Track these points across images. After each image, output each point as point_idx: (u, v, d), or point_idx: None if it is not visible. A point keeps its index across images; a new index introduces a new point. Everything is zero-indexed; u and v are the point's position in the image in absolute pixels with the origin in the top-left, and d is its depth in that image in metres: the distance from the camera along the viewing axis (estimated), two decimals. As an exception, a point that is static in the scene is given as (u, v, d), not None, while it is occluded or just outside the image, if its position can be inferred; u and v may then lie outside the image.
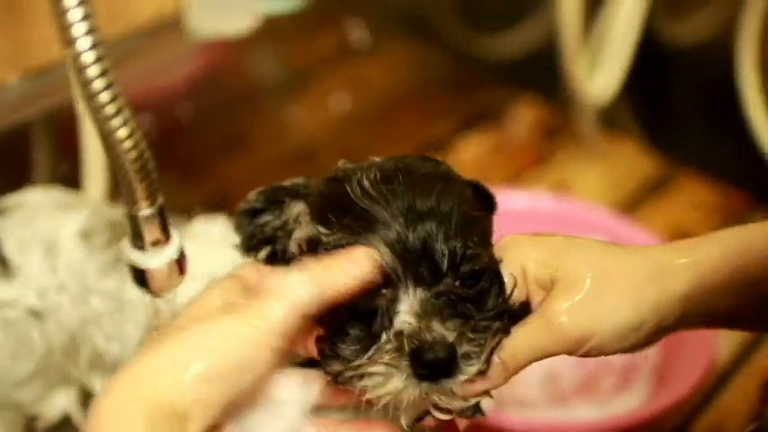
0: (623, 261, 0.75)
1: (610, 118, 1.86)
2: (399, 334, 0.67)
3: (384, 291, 0.69)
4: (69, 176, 1.31)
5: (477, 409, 0.73)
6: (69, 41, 0.56)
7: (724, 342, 1.39)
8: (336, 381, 0.70)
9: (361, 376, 0.69)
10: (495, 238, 0.76)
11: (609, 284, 0.73)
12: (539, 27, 2.02)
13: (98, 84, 0.58)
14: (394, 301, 0.69)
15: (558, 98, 1.90)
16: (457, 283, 0.70)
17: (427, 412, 0.72)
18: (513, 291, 0.73)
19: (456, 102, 1.90)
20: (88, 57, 0.57)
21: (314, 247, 0.72)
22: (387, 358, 0.68)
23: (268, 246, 0.77)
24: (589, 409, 1.31)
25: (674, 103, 1.95)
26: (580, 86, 1.78)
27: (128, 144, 0.61)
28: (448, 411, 0.71)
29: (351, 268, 0.68)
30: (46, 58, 1.34)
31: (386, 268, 0.68)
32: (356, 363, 0.69)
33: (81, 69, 0.57)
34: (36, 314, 1.02)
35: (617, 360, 1.30)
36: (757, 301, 0.76)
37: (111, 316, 1.01)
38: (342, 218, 0.70)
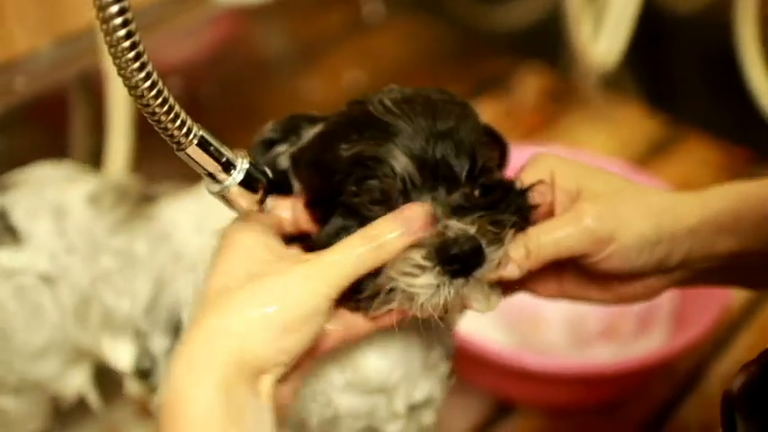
0: (642, 189, 0.81)
1: (614, 82, 1.88)
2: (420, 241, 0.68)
3: (401, 200, 0.70)
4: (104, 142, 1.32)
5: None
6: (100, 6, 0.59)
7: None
8: (371, 307, 0.71)
9: (393, 293, 0.69)
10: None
11: (630, 202, 0.78)
12: (541, -2, 2.06)
13: (125, 44, 0.60)
14: None
15: (562, 65, 1.93)
16: (476, 192, 0.72)
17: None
18: (532, 189, 0.77)
19: (465, 72, 1.92)
20: (117, 20, 0.59)
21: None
22: (413, 263, 0.68)
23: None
24: (610, 352, 1.34)
25: (675, 67, 1.98)
26: (584, 52, 1.81)
27: (153, 93, 0.63)
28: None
29: (402, 225, 0.69)
30: (77, 24, 1.34)
31: (405, 179, 0.70)
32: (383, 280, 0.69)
33: (110, 31, 0.59)
34: (48, 279, 1.01)
35: (635, 306, 1.33)
36: (757, 249, 0.80)
37: (120, 272, 0.99)
38: (363, 132, 0.71)
